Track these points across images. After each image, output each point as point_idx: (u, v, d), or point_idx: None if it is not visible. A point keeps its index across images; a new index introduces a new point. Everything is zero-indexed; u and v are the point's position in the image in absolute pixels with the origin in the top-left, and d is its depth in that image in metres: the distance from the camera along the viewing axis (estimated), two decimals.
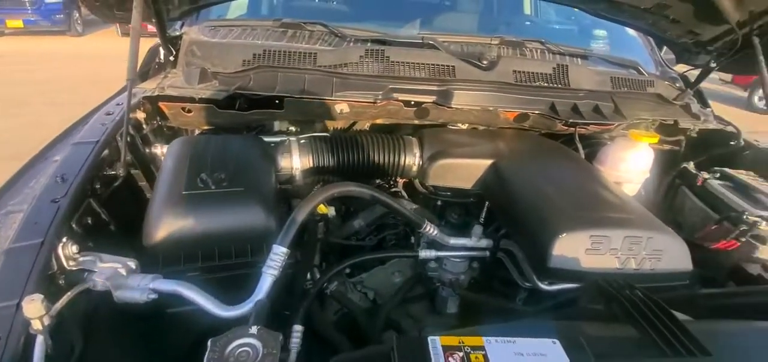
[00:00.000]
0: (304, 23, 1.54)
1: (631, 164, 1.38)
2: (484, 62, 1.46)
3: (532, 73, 1.48)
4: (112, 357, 0.85)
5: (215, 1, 1.54)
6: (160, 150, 1.30)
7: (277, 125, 1.48)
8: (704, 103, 1.79)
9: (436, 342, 0.57)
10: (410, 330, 1.20)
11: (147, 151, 1.30)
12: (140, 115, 1.31)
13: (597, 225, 0.95)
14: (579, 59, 1.63)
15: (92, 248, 0.87)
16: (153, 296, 0.79)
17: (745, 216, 1.13)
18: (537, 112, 1.40)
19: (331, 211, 1.31)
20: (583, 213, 1.00)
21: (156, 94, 1.28)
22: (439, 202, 1.39)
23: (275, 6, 2.09)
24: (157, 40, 1.59)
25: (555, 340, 0.58)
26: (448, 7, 2.18)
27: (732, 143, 1.57)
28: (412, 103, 1.36)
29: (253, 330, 0.61)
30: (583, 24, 2.12)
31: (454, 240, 1.17)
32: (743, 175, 1.36)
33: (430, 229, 1.11)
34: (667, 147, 1.64)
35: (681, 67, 1.75)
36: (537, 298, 1.05)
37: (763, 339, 0.69)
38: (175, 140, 1.20)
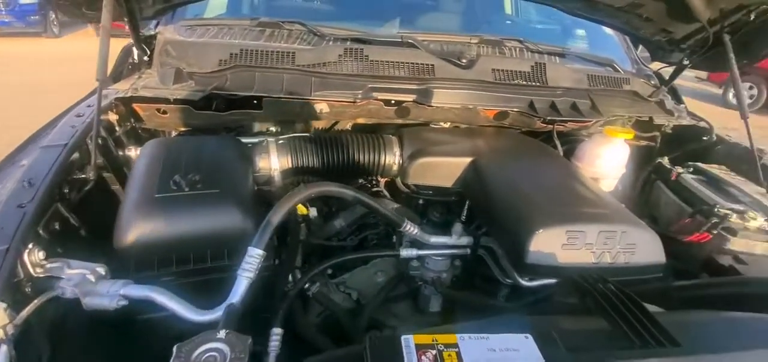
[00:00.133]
0: (282, 22, 1.52)
1: (607, 160, 1.40)
2: (464, 61, 1.47)
3: (511, 71, 1.49)
4: None
5: None
6: (134, 153, 1.26)
7: (257, 126, 1.46)
8: (678, 100, 1.83)
9: (409, 341, 0.57)
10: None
11: (120, 153, 1.27)
12: (113, 117, 1.28)
13: (572, 221, 0.96)
14: (557, 57, 1.65)
15: (61, 254, 0.85)
16: (123, 302, 0.77)
17: (716, 209, 1.16)
18: (516, 109, 1.41)
19: (312, 212, 1.30)
20: (559, 209, 1.01)
21: (129, 95, 1.25)
22: (420, 201, 1.39)
23: (256, 5, 2.06)
24: (130, 40, 1.56)
25: (528, 335, 0.58)
26: (429, 7, 2.18)
27: (705, 138, 1.61)
28: (393, 102, 1.36)
29: (222, 334, 0.60)
30: (564, 23, 2.14)
31: (434, 239, 1.17)
32: (715, 169, 1.40)
33: (410, 228, 1.11)
34: (642, 143, 1.67)
35: (656, 65, 1.79)
36: (519, 294, 1.06)
37: (731, 328, 0.71)
38: (148, 142, 1.17)
